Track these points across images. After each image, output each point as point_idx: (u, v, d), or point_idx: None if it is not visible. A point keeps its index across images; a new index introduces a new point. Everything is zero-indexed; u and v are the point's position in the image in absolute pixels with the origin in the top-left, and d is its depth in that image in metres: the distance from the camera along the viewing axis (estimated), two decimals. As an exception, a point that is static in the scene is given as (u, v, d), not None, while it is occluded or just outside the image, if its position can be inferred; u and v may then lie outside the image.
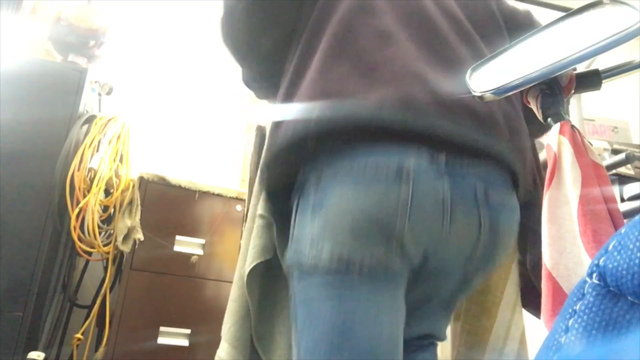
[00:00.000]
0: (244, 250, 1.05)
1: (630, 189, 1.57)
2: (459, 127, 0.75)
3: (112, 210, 1.85)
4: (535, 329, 1.03)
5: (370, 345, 0.66)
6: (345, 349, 0.66)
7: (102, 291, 1.80)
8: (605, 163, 1.46)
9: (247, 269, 0.96)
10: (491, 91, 0.94)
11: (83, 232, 1.72)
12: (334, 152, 0.74)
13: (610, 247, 0.34)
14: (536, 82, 0.90)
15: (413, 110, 0.72)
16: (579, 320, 0.34)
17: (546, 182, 0.84)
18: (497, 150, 0.78)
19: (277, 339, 0.95)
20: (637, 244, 0.31)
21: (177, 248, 1.87)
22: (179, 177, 1.95)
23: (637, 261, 0.31)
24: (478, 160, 0.77)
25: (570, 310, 0.35)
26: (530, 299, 1.12)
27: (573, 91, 1.00)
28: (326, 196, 0.72)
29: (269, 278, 1.01)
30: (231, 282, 1.21)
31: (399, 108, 0.72)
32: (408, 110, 0.72)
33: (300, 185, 0.78)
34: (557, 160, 0.83)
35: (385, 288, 0.70)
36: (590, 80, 1.00)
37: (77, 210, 1.67)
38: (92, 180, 1.74)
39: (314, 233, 0.72)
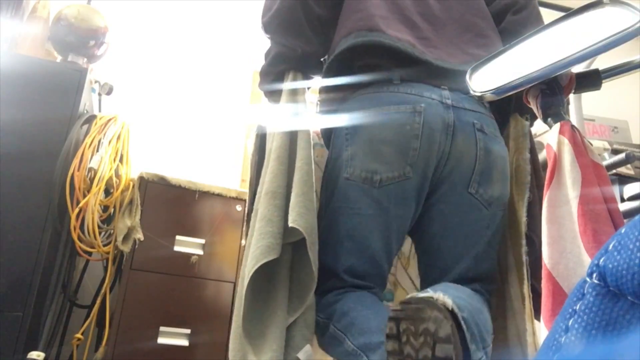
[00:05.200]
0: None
1: (630, 189, 1.57)
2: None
3: (112, 210, 1.85)
4: (535, 329, 1.03)
5: (365, 244, 1.02)
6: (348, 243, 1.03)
7: (102, 291, 1.80)
8: (605, 163, 1.46)
9: (251, 270, 0.95)
10: (491, 91, 0.95)
11: (83, 232, 1.72)
12: (362, 97, 1.07)
13: (610, 247, 0.34)
14: (536, 82, 0.91)
15: (418, 49, 1.07)
16: (579, 320, 0.34)
17: (546, 182, 0.84)
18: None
19: (269, 339, 0.95)
20: (637, 244, 0.31)
21: (177, 248, 1.87)
22: (179, 177, 1.95)
23: (637, 261, 0.31)
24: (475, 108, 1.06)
25: (570, 310, 0.35)
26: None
27: (573, 91, 1.00)
28: (356, 130, 1.03)
29: (262, 278, 1.01)
30: (231, 282, 1.21)
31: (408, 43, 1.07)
32: (414, 47, 1.07)
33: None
34: (557, 160, 0.83)
35: (394, 194, 1.00)
36: (590, 80, 1.00)
37: (77, 210, 1.67)
38: (92, 180, 1.74)
39: (347, 157, 1.03)
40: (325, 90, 1.21)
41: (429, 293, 0.76)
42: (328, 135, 1.18)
